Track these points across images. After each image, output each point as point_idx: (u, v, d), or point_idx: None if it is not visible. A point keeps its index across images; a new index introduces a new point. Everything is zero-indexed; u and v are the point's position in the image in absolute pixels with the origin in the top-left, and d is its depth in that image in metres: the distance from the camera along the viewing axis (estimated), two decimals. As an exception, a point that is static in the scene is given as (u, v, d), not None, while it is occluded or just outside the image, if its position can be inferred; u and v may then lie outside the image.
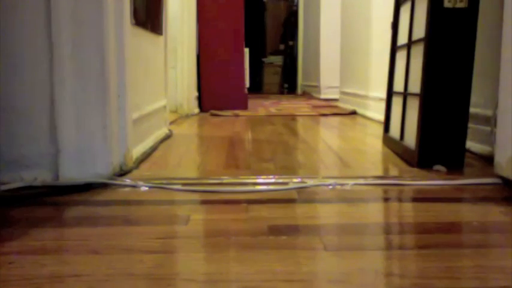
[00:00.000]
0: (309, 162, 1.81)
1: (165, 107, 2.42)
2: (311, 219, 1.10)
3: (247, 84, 4.16)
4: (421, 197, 1.26)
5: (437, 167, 1.53)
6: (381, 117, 2.30)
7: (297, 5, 7.01)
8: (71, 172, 1.36)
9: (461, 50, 1.52)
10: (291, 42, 7.31)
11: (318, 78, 5.48)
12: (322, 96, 5.33)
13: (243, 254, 0.86)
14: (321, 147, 2.16)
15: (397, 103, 1.97)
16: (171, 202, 1.24)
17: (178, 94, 3.53)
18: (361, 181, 1.38)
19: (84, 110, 1.36)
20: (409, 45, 1.83)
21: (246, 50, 4.11)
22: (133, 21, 1.71)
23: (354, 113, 3.66)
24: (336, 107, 4.18)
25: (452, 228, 1.02)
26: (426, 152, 1.56)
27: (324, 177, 1.42)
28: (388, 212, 1.20)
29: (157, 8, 2.24)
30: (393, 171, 1.61)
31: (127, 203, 1.23)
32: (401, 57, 1.96)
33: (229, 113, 3.68)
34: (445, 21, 1.52)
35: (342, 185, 1.35)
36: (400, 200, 1.29)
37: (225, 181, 1.41)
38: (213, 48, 3.90)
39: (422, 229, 1.01)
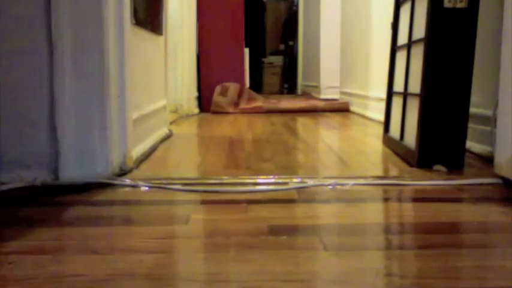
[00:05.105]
0: (309, 162, 1.81)
1: (165, 107, 2.42)
2: (311, 219, 1.10)
3: (247, 84, 4.16)
4: (421, 197, 1.26)
5: (437, 167, 1.53)
6: (381, 117, 2.30)
7: (297, 5, 7.01)
8: (71, 172, 1.36)
9: (461, 50, 1.52)
10: (291, 42, 7.31)
11: (318, 78, 5.48)
12: (322, 96, 5.33)
13: (243, 254, 0.86)
14: (321, 147, 2.16)
15: (397, 103, 1.97)
16: (171, 202, 1.24)
17: (178, 94, 3.53)
18: (361, 181, 1.38)
19: (84, 110, 1.36)
20: (409, 45, 1.83)
21: (246, 50, 4.11)
22: (134, 21, 1.71)
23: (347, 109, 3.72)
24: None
25: (452, 228, 1.02)
26: (426, 152, 1.56)
27: (324, 177, 1.42)
28: (388, 212, 1.20)
29: (157, 8, 2.24)
30: (393, 171, 1.61)
31: (127, 203, 1.23)
32: (401, 57, 1.96)
33: (229, 109, 3.69)
34: (445, 21, 1.52)
35: (342, 185, 1.35)
36: (400, 200, 1.29)
37: (225, 181, 1.41)
38: (213, 48, 3.90)
39: (422, 229, 1.01)
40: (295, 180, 1.40)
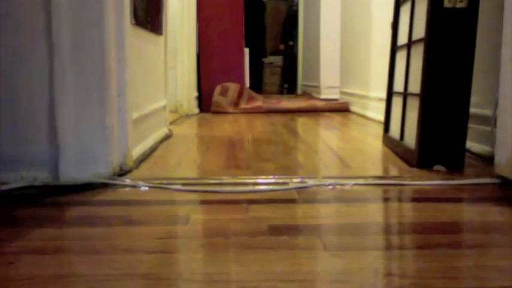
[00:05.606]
0: (309, 162, 1.81)
1: (165, 107, 2.42)
2: (311, 219, 1.10)
3: (247, 84, 4.16)
4: (421, 197, 1.26)
5: (437, 167, 1.53)
6: (381, 117, 2.30)
7: (297, 5, 7.01)
8: (71, 172, 1.36)
9: (461, 50, 1.52)
10: (291, 42, 7.31)
11: (318, 78, 5.48)
12: (322, 96, 5.33)
13: (243, 254, 0.86)
14: (321, 147, 2.16)
15: (397, 103, 1.97)
16: (171, 202, 1.24)
17: (178, 94, 3.53)
18: (361, 181, 1.38)
19: (84, 110, 1.36)
20: (409, 45, 1.83)
21: (246, 50, 4.11)
22: (133, 21, 1.71)
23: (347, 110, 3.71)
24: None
25: (452, 228, 1.02)
26: (426, 152, 1.56)
27: (324, 177, 1.42)
28: (388, 212, 1.20)
29: (157, 8, 2.24)
30: (393, 171, 1.61)
31: (127, 203, 1.23)
32: (401, 57, 1.96)
33: (229, 109, 3.69)
34: (445, 21, 1.52)
35: (342, 185, 1.35)
36: (399, 200, 1.29)
37: (225, 181, 1.41)
38: (213, 48, 3.90)
39: (422, 229, 1.01)
40: (295, 180, 1.40)
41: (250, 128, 2.81)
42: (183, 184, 1.36)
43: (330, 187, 1.34)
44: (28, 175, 1.35)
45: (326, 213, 1.16)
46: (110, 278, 0.76)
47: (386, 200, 1.28)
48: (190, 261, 0.86)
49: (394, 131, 1.95)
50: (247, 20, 4.24)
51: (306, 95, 6.12)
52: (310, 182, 1.37)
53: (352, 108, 3.76)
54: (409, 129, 1.75)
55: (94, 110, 1.36)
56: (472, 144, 1.80)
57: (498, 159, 1.38)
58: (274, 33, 7.75)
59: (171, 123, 2.72)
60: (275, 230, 0.98)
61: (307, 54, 6.46)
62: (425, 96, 1.56)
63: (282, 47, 7.60)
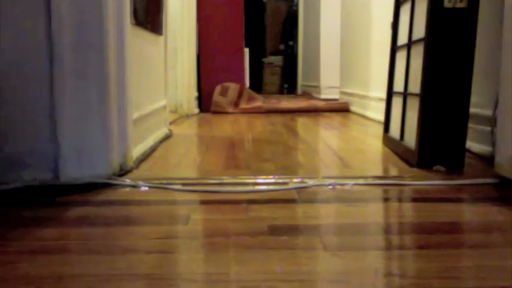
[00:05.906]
0: (309, 162, 1.81)
1: (165, 107, 2.42)
2: (311, 219, 1.10)
3: (247, 84, 4.16)
4: (421, 197, 1.26)
5: (437, 167, 1.53)
6: (381, 117, 2.30)
7: (297, 5, 7.01)
8: (71, 172, 1.36)
9: (461, 50, 1.52)
10: (291, 42, 7.31)
11: (318, 78, 5.48)
12: (322, 96, 5.34)
13: (243, 254, 0.86)
14: (321, 147, 2.16)
15: (397, 103, 1.97)
16: (171, 202, 1.24)
17: (178, 94, 3.53)
18: (361, 181, 1.38)
19: (84, 110, 1.36)
20: (409, 45, 1.83)
21: (246, 50, 4.11)
22: (134, 21, 1.71)
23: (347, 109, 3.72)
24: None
25: (452, 228, 1.02)
26: (426, 152, 1.56)
27: (324, 177, 1.43)
28: (388, 212, 1.20)
29: (157, 8, 2.24)
30: (393, 171, 1.62)
31: (127, 203, 1.23)
32: (401, 57, 1.96)
33: (229, 109, 3.70)
34: (445, 21, 1.53)
35: (342, 185, 1.35)
36: (399, 200, 1.29)
37: (225, 181, 1.41)
38: (213, 48, 3.90)
39: (422, 229, 1.01)
40: (295, 180, 1.40)
41: (250, 128, 2.81)
42: (183, 184, 1.37)
43: (330, 187, 1.34)
44: (28, 175, 1.35)
45: (326, 213, 1.16)
46: (110, 278, 0.76)
47: (386, 200, 1.28)
48: (191, 261, 0.86)
49: (394, 131, 1.95)
50: (247, 20, 4.24)
51: (306, 95, 6.12)
52: (310, 182, 1.37)
53: (352, 108, 3.76)
54: (409, 129, 1.75)
55: (94, 110, 1.36)
56: (472, 144, 1.80)
57: (498, 159, 1.38)
58: (274, 33, 7.74)
59: (171, 123, 2.72)
60: (275, 230, 0.98)
61: (307, 54, 6.46)
62: (425, 96, 1.56)
63: (282, 47, 7.60)
